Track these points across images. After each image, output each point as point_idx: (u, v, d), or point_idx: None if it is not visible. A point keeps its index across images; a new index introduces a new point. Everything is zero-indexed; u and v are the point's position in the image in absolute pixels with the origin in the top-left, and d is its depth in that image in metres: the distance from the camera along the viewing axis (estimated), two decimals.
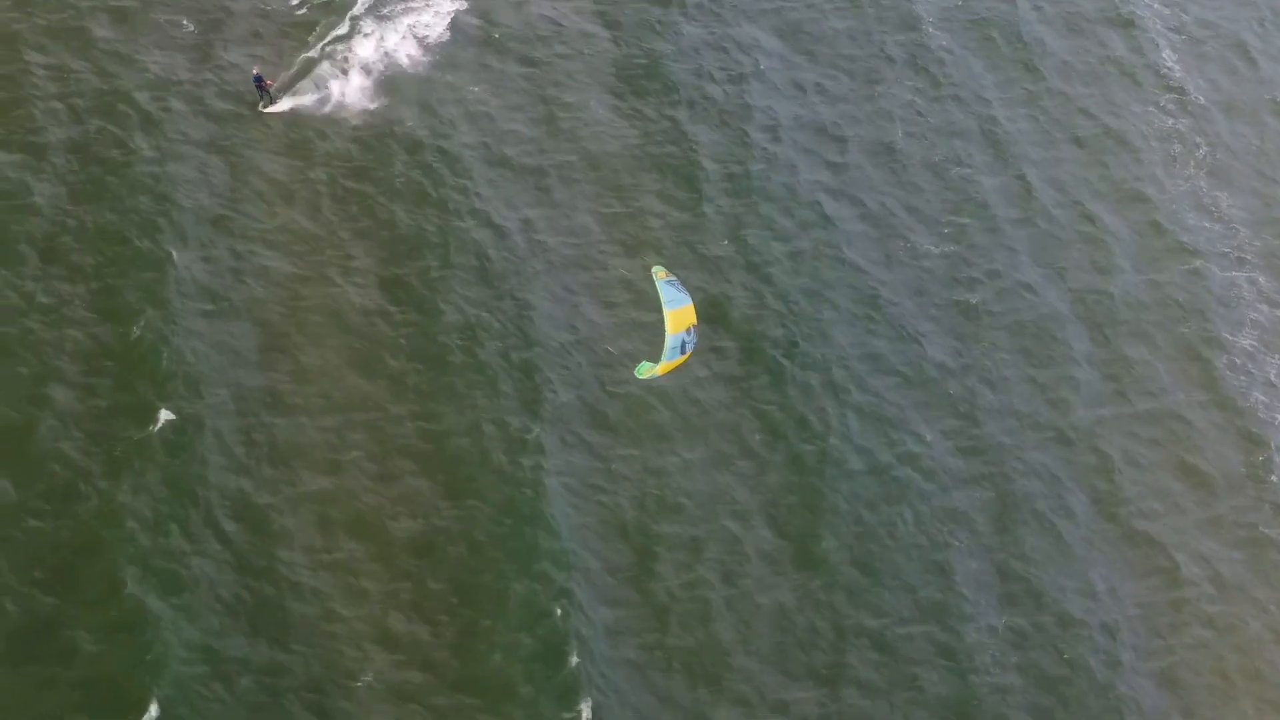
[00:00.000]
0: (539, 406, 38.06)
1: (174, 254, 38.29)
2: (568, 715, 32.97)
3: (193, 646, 31.98)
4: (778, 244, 44.46)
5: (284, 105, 44.05)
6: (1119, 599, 39.39)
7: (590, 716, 32.95)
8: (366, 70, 45.69)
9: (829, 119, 49.10)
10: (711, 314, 41.52)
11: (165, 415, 35.12)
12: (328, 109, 44.22)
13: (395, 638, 33.28)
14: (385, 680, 32.63)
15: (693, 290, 41.60)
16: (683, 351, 31.94)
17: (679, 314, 31.77)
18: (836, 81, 50.46)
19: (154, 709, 30.90)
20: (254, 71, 42.76)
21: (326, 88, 44.84)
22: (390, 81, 45.50)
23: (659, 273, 32.41)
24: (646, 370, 32.47)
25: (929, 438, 41.05)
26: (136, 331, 36.45)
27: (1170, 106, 54.85)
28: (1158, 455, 43.19)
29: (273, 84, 42.87)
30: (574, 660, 33.52)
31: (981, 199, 48.37)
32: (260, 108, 42.92)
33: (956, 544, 39.02)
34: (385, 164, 43.04)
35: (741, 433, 39.55)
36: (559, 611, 34.10)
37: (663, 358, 31.95)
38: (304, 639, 32.83)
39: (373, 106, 44.63)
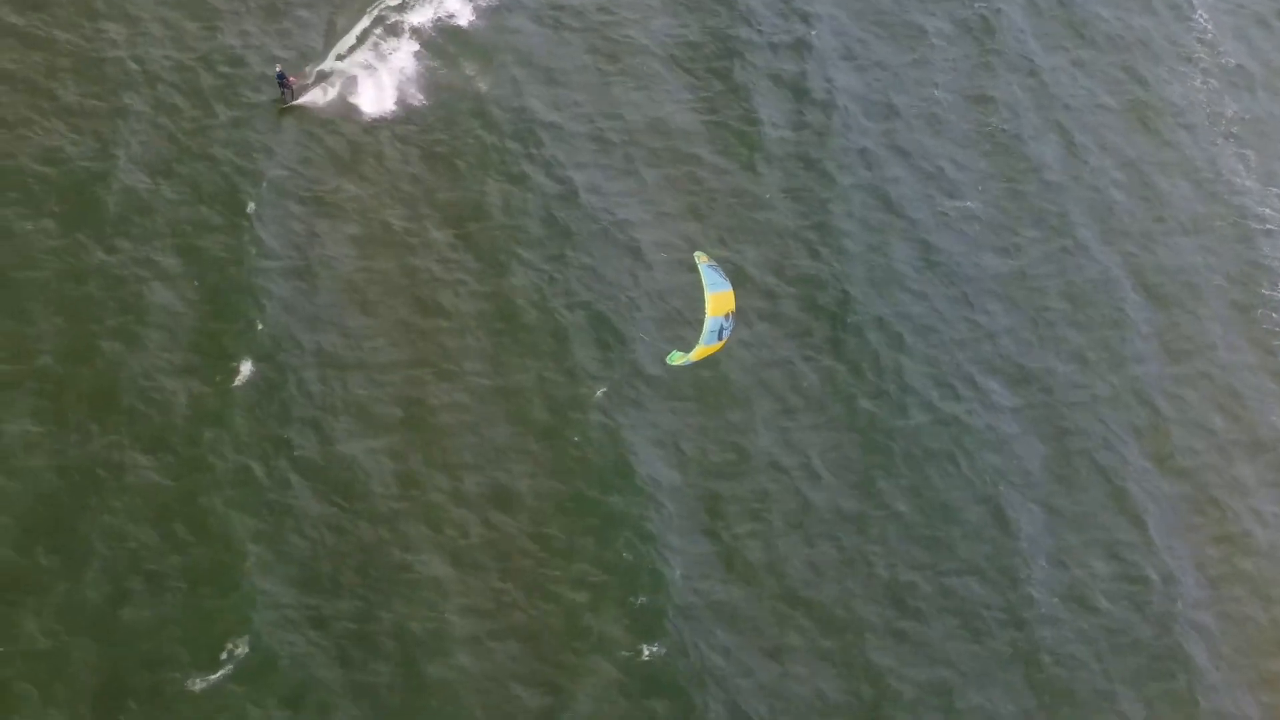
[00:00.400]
0: (605, 362, 39.09)
1: (250, 214, 39.35)
2: (644, 655, 34.20)
3: (279, 589, 33.14)
4: (832, 205, 45.32)
5: (346, 69, 44.84)
6: (1171, 551, 40.37)
7: (666, 656, 34.14)
8: (425, 35, 46.44)
9: (881, 84, 49.87)
10: (768, 273, 42.53)
11: (246, 368, 36.31)
12: (388, 74, 44.97)
13: (472, 581, 34.46)
14: (464, 621, 33.82)
15: (750, 250, 42.79)
16: (720, 337, 32.11)
17: (720, 298, 31.93)
18: (887, 47, 51.20)
19: (243, 646, 32.15)
20: (277, 69, 42.12)
21: (386, 53, 45.63)
22: (449, 46, 46.23)
23: (701, 257, 32.62)
24: (679, 358, 32.87)
25: (984, 393, 42.03)
26: (217, 289, 37.61)
27: (1214, 72, 55.47)
28: (1206, 413, 44.15)
29: (295, 81, 42.57)
30: (650, 601, 34.81)
31: (1030, 162, 49.22)
32: (282, 105, 42.31)
33: (1013, 497, 40.02)
34: (446, 127, 43.90)
35: (801, 387, 40.56)
36: (632, 556, 35.33)
37: (700, 341, 32.16)
38: (384, 581, 33.97)
39: (432, 71, 45.41)
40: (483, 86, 45.41)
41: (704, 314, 31.98)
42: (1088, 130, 51.18)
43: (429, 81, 45.00)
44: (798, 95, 48.25)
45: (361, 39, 46.08)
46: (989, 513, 39.68)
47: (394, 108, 44.12)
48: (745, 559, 36.81)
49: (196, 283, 37.69)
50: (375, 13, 46.78)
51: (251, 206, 39.72)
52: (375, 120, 43.52)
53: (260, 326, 37.21)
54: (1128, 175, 50.32)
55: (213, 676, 31.65)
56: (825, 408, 40.47)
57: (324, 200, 40.90)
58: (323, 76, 44.66)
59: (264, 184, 40.41)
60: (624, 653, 34.32)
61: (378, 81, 44.76)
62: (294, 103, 42.50)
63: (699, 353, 32.24)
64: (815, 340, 41.91)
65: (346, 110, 43.64)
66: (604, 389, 38.52)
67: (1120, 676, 38.01)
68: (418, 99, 44.47)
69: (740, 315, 41.17)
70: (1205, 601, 40.07)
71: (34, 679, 30.57)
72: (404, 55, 45.77)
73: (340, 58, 45.27)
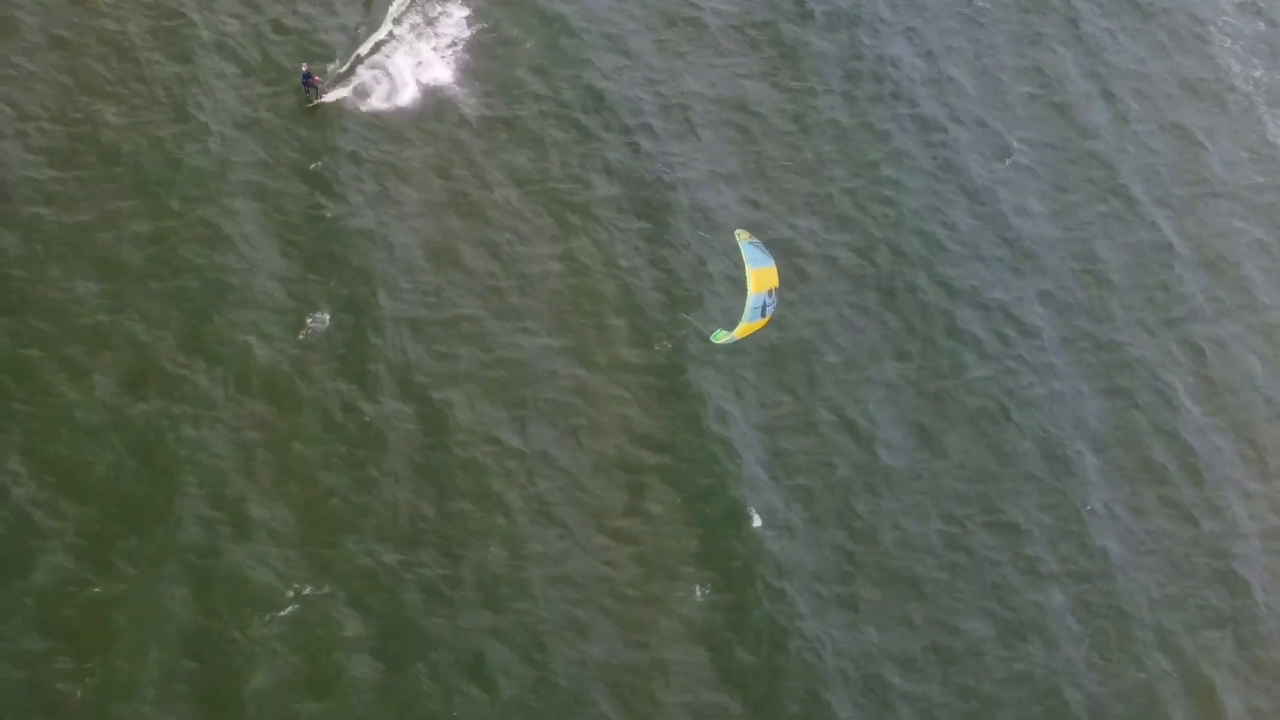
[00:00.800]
0: (669, 318, 39.98)
1: (318, 176, 40.28)
2: (714, 601, 35.29)
3: (358, 536, 34.14)
4: (885, 168, 46.18)
5: (402, 34, 45.49)
6: (1221, 504, 41.32)
7: (735, 601, 35.32)
8: (475, 2, 47.03)
9: (931, 49, 50.66)
10: (823, 232, 43.40)
11: (323, 324, 37.30)
12: (443, 40, 45.53)
13: (545, 529, 35.46)
14: (538, 568, 34.82)
15: (804, 210, 43.58)
16: (763, 314, 32.25)
17: (761, 274, 31.99)
18: (937, 14, 51.98)
19: (326, 592, 33.13)
20: (303, 69, 41.86)
21: (438, 19, 46.22)
22: (498, 11, 46.66)
23: (741, 234, 32.78)
24: (723, 336, 33.20)
25: (1037, 349, 43.03)
26: (291, 247, 38.64)
27: (1255, 38, 56.17)
28: (1254, 371, 45.10)
29: (320, 81, 42.16)
30: (719, 547, 36.08)
31: (1078, 127, 50.28)
32: (309, 104, 41.94)
33: (1066, 451, 41.02)
34: (502, 91, 44.45)
35: (857, 343, 41.46)
36: (701, 504, 36.49)
37: (743, 318, 32.33)
38: (457, 529, 34.91)
39: (485, 34, 45.89)
40: (536, 51, 46.03)
41: (746, 291, 32.27)
42: (1135, 96, 52.03)
43: (483, 46, 45.47)
44: (849, 60, 48.97)
45: (413, 4, 46.71)
46: (1043, 466, 40.63)
47: (450, 72, 44.77)
48: (809, 508, 37.73)
49: (271, 242, 38.56)
50: None
51: (316, 166, 40.60)
52: (432, 85, 44.14)
53: (334, 284, 38.14)
54: (1173, 140, 51.16)
55: (294, 619, 32.55)
56: (881, 364, 41.37)
57: (388, 162, 41.62)
58: (380, 43, 45.36)
59: (332, 146, 41.23)
60: (693, 598, 35.30)
61: (434, 45, 45.41)
62: (320, 101, 42.32)
63: (742, 330, 32.53)
64: (869, 297, 42.78)
65: (405, 75, 44.28)
66: (669, 343, 39.38)
67: (1173, 627, 38.92)
68: (473, 64, 45.06)
69: (796, 273, 42.22)
70: (1255, 554, 40.95)
71: (129, 617, 31.61)
72: (457, 21, 46.41)
73: (396, 21, 45.97)
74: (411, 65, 44.75)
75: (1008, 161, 48.04)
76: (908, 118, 47.98)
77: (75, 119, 39.47)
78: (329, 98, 42.61)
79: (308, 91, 41.94)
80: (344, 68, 43.70)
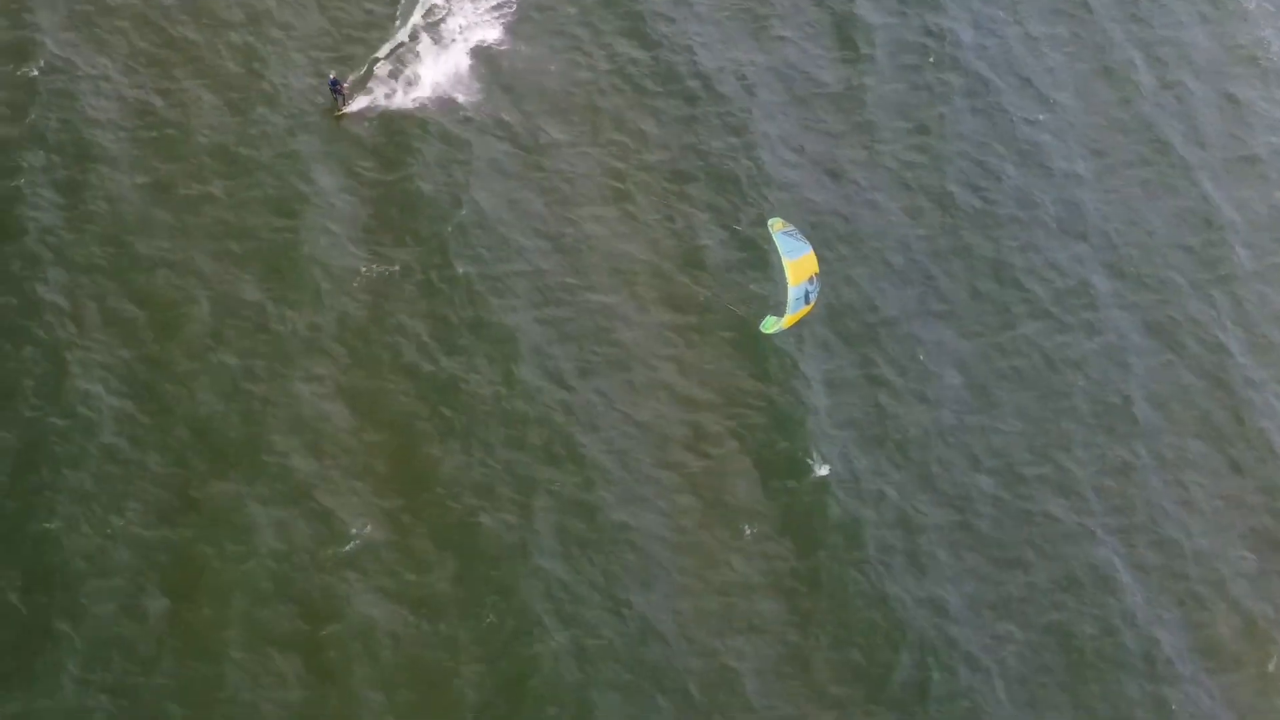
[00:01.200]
0: (739, 278, 41.03)
1: (392, 144, 41.57)
2: (786, 548, 36.39)
3: (442, 483, 35.32)
4: (937, 133, 47.08)
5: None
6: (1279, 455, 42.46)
7: (807, 550, 36.44)
8: None
9: (975, 15, 51.36)
10: (881, 195, 44.48)
11: (385, 275, 38.45)
12: (493, 1, 46.21)
13: (620, 473, 36.44)
14: (613, 513, 35.79)
15: (859, 172, 44.35)
16: (806, 301, 32.51)
17: (799, 263, 32.18)
18: None
19: (401, 533, 34.17)
20: (330, 76, 41.68)
21: None
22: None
23: (775, 224, 32.87)
24: (772, 325, 33.58)
25: (1095, 306, 44.01)
26: (375, 201, 40.04)
27: None
28: None
29: (347, 87, 41.89)
30: (793, 494, 37.30)
31: (1126, 91, 51.09)
32: (336, 111, 41.73)
33: (1126, 411, 42.19)
34: (552, 57, 45.02)
35: (917, 300, 42.51)
36: (777, 448, 37.90)
37: (787, 310, 32.58)
38: (534, 474, 35.96)
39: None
40: (583, 14, 46.37)
41: (787, 283, 32.54)
42: (1176, 61, 52.54)
43: (530, 8, 45.90)
44: (896, 27, 49.54)
45: None
46: (1092, 419, 41.51)
47: (499, 35, 45.00)
48: (868, 458, 38.61)
49: (340, 201, 39.49)
50: None
51: (376, 126, 41.51)
52: (482, 47, 44.51)
53: (401, 241, 39.12)
54: (1213, 104, 51.75)
55: (369, 564, 33.59)
56: (932, 320, 42.14)
57: (445, 124, 42.25)
58: (431, 7, 45.94)
59: (391, 108, 42.06)
60: (755, 545, 36.22)
61: (483, 8, 45.85)
62: (347, 110, 42.00)
63: (789, 320, 32.90)
64: (920, 256, 43.49)
65: (454, 38, 44.66)
66: (727, 300, 40.11)
67: (1223, 575, 39.74)
68: (521, 27, 45.36)
69: (850, 231, 43.05)
70: None
71: (212, 557, 32.86)
72: None
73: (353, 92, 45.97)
74: (461, 28, 45.32)
75: (1051, 124, 48.71)
76: (953, 82, 48.61)
77: (147, 82, 40.36)
78: (373, 83, 43.07)
79: (335, 98, 41.95)
80: (401, 29, 44.31)
